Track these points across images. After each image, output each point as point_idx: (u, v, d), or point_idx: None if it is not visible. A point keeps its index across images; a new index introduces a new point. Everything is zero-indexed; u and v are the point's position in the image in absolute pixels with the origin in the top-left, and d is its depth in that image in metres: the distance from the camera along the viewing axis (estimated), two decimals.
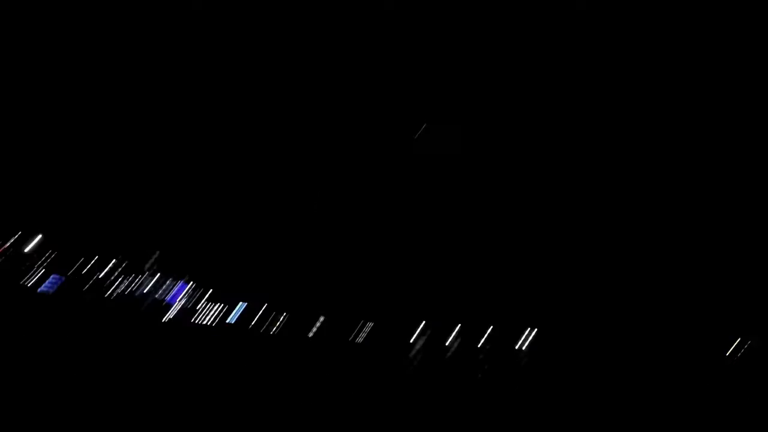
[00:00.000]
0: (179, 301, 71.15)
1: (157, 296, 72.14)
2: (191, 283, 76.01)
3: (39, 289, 46.56)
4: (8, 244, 46.09)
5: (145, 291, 69.94)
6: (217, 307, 71.12)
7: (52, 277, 48.41)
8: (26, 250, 44.32)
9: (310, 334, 69.63)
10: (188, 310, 71.55)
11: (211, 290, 75.21)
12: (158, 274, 72.25)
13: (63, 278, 52.94)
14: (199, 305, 73.84)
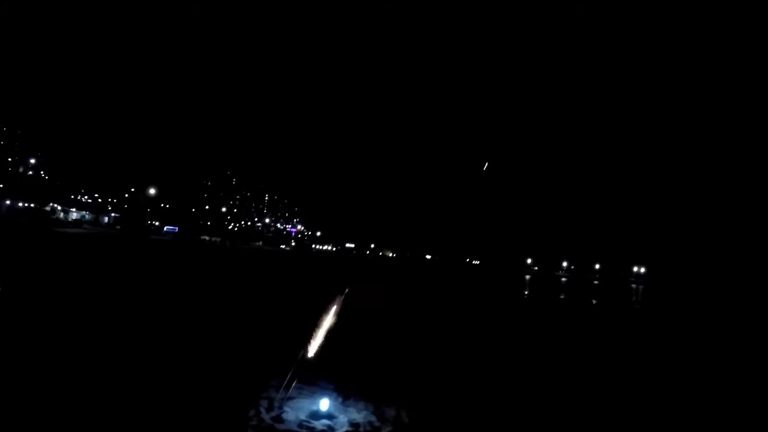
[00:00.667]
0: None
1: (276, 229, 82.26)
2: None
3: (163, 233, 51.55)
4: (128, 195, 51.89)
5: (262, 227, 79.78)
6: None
7: (167, 228, 54.55)
8: (147, 198, 49.68)
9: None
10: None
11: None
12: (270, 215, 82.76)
13: (177, 228, 58.91)
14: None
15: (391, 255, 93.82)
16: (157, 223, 58.72)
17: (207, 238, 61.18)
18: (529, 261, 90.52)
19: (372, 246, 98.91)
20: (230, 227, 74.80)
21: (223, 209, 76.84)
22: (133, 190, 54.55)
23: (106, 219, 56.45)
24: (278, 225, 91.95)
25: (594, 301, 23.40)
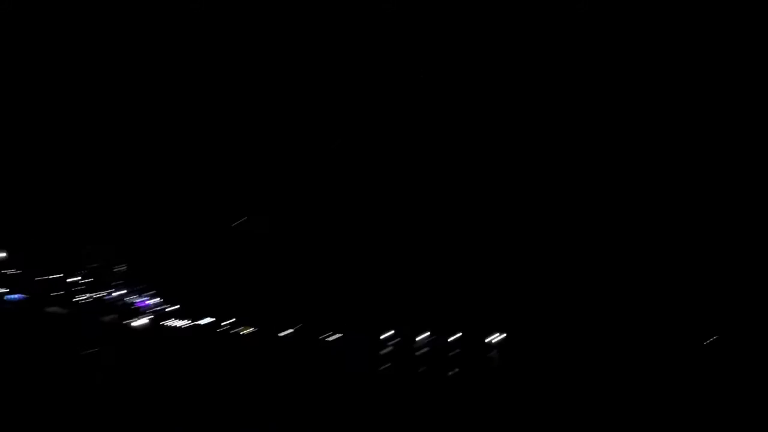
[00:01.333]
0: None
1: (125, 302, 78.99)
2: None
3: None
4: None
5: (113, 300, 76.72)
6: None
7: (8, 297, 51.63)
8: None
9: (281, 334, 75.93)
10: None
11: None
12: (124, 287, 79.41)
13: (23, 296, 56.74)
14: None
15: (250, 331, 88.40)
16: (1, 290, 54.05)
17: (55, 309, 56.82)
18: (388, 333, 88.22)
19: (232, 321, 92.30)
20: (81, 298, 69.54)
21: (74, 279, 71.44)
22: None
23: None
24: (132, 298, 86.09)
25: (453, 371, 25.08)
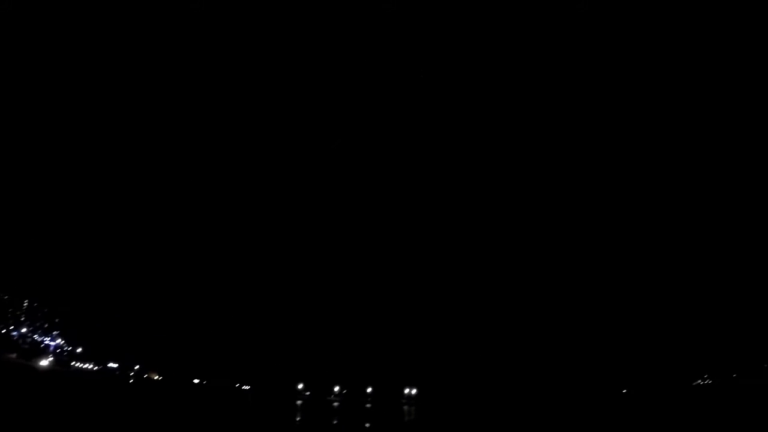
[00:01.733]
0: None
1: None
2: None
3: None
4: None
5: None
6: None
7: None
8: None
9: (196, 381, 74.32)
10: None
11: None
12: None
13: None
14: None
15: (156, 378, 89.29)
16: None
17: None
18: (300, 386, 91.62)
19: (137, 367, 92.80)
20: None
21: None
22: None
23: None
24: (36, 336, 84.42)
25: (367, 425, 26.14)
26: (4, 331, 78.65)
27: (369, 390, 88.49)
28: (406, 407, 58.98)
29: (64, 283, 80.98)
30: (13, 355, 65.71)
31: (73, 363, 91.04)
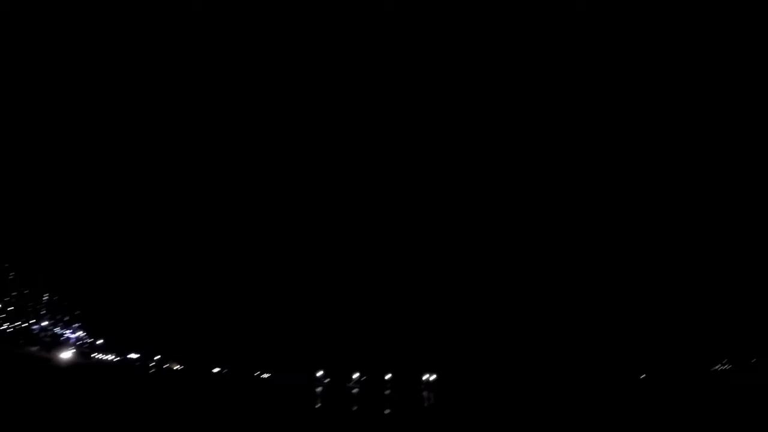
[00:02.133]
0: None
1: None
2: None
3: None
4: None
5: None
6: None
7: None
8: None
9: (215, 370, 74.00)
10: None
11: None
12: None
13: None
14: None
15: (176, 368, 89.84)
16: None
17: None
18: (319, 373, 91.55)
19: (157, 357, 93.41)
20: (3, 328, 68.59)
21: None
22: None
23: None
24: (56, 329, 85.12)
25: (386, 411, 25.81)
26: (25, 324, 79.35)
27: (388, 376, 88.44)
28: (425, 393, 58.66)
29: (83, 276, 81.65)
30: (35, 348, 66.21)
31: (93, 355, 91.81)
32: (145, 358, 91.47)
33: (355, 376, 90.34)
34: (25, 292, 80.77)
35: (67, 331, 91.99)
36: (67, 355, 72.68)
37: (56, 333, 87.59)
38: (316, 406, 27.59)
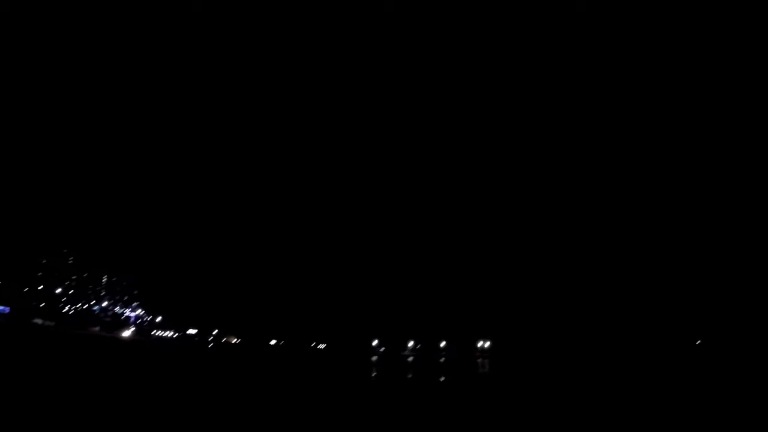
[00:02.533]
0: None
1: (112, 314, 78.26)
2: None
3: None
4: None
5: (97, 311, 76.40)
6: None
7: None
8: None
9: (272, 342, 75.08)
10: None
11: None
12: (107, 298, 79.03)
13: (8, 309, 56.46)
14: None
15: (234, 341, 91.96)
16: None
17: (40, 321, 57.82)
18: (374, 342, 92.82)
19: (215, 331, 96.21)
20: (65, 310, 70.86)
21: (58, 290, 72.79)
22: None
23: None
24: (116, 309, 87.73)
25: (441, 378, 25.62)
26: (86, 306, 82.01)
27: (442, 344, 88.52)
28: (479, 360, 58.18)
29: (140, 257, 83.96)
30: (97, 329, 68.06)
31: (153, 332, 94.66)
32: (204, 333, 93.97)
33: (410, 344, 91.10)
34: (84, 275, 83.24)
35: (127, 311, 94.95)
36: (127, 333, 74.78)
37: (116, 313, 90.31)
38: (372, 375, 27.50)
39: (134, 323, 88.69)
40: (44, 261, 70.09)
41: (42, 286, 67.72)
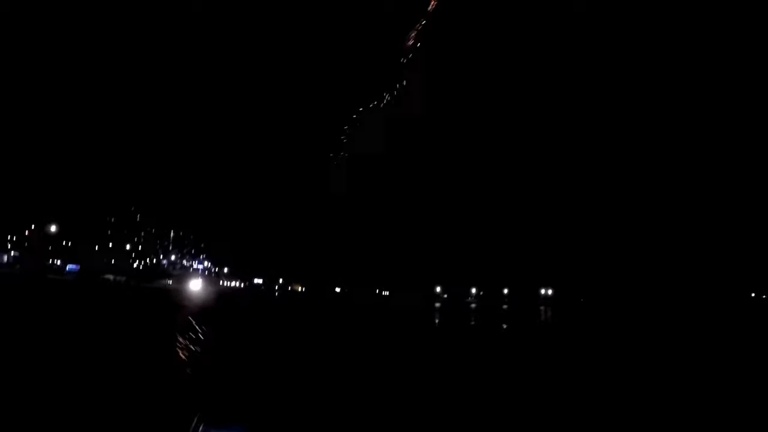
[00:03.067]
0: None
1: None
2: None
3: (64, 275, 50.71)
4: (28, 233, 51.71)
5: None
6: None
7: (69, 266, 53.62)
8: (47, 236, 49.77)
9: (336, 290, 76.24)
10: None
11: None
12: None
13: (78, 267, 58.19)
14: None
15: (300, 289, 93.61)
16: (58, 262, 57.28)
17: (111, 277, 59.86)
18: (438, 289, 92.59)
19: (281, 281, 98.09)
20: (135, 265, 73.19)
21: (127, 247, 75.11)
22: (33, 227, 53.34)
23: (5, 258, 54.71)
24: (184, 262, 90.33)
25: (504, 326, 24.97)
26: (155, 261, 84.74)
27: (505, 291, 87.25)
28: (542, 308, 57.42)
29: (205, 210, 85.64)
30: (166, 281, 70.19)
31: (221, 282, 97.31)
32: (270, 281, 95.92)
33: (473, 290, 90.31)
34: (152, 230, 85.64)
35: (195, 263, 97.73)
36: (197, 285, 76.91)
37: (184, 265, 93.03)
38: (435, 322, 27.37)
39: (202, 274, 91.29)
40: (112, 219, 72.34)
41: (111, 243, 69.99)
